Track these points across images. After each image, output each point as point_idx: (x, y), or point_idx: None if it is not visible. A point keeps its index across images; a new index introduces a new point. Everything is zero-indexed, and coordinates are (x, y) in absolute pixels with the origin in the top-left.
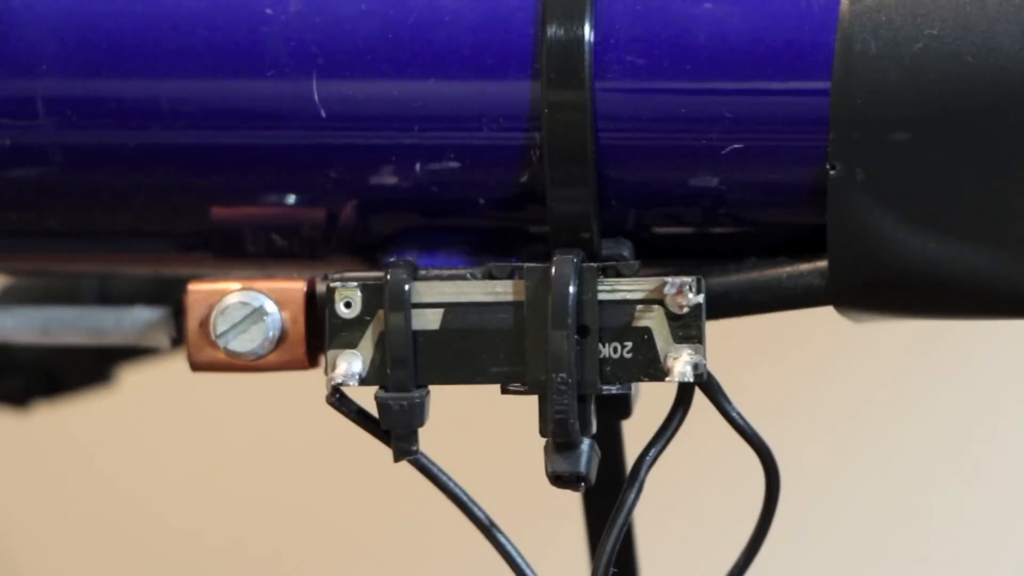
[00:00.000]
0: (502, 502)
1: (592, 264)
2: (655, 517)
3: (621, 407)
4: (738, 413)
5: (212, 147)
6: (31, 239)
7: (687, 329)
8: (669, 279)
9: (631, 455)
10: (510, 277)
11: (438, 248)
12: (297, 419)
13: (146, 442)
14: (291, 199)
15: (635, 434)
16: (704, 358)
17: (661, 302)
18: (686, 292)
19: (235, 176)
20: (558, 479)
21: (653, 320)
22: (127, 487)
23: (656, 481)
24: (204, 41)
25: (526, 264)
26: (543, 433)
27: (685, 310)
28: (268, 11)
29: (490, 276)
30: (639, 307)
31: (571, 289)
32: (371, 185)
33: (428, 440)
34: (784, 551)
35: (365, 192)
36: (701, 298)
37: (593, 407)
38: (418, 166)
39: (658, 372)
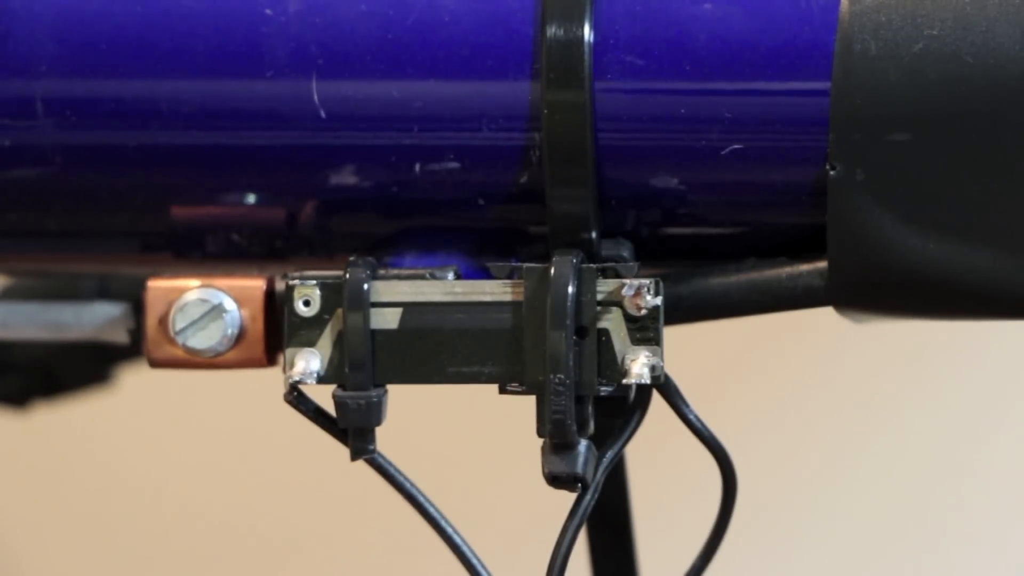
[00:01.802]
0: (500, 503)
1: (591, 265)
2: (657, 518)
3: (620, 408)
4: (695, 416)
5: (212, 147)
6: (30, 239)
7: (644, 331)
8: (627, 280)
9: (631, 455)
10: (510, 277)
11: (438, 248)
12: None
13: (147, 437)
14: (290, 199)
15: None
16: (662, 360)
17: (619, 304)
18: (644, 294)
19: (234, 176)
20: (555, 480)
21: (611, 322)
22: (128, 482)
23: (659, 481)
24: (204, 42)
25: (525, 264)
26: (540, 434)
27: (643, 312)
28: (268, 11)
29: (489, 276)
30: (598, 308)
31: (570, 290)
32: (371, 185)
33: (427, 440)
34: (786, 552)
35: (365, 192)
36: (659, 300)
37: (591, 408)
38: (418, 166)
39: (615, 374)
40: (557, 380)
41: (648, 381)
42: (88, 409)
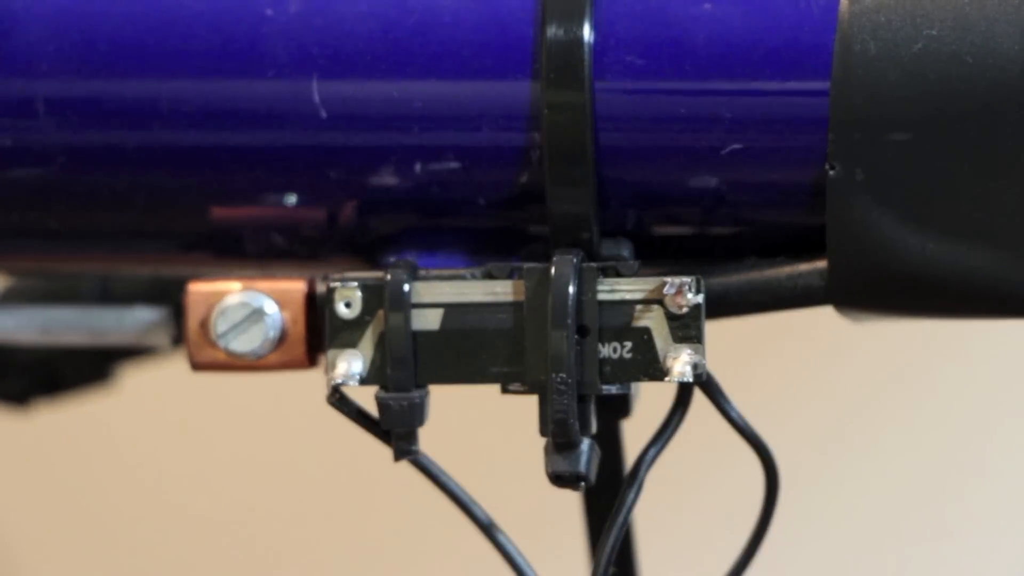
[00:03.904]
0: (502, 502)
1: (592, 264)
2: (655, 517)
3: (621, 407)
4: (737, 413)
5: (212, 147)
6: (31, 239)
7: (686, 329)
8: (668, 279)
9: (631, 455)
10: (510, 277)
11: (438, 248)
12: (301, 417)
13: (148, 437)
14: (291, 199)
15: (635, 434)
16: (704, 358)
17: (661, 302)
18: (685, 292)
19: (235, 176)
20: (558, 479)
21: (653, 320)
22: (128, 482)
23: (657, 481)
24: (204, 42)
25: (526, 264)
26: (543, 433)
27: (684, 310)
28: (268, 12)
29: (490, 276)
30: (639, 307)
31: (571, 289)
32: (371, 185)
33: (428, 440)
34: (788, 553)
35: (365, 192)
36: (700, 298)
37: (593, 407)
38: (418, 166)
39: (658, 372)
40: (559, 379)
41: (691, 379)
42: (88, 409)
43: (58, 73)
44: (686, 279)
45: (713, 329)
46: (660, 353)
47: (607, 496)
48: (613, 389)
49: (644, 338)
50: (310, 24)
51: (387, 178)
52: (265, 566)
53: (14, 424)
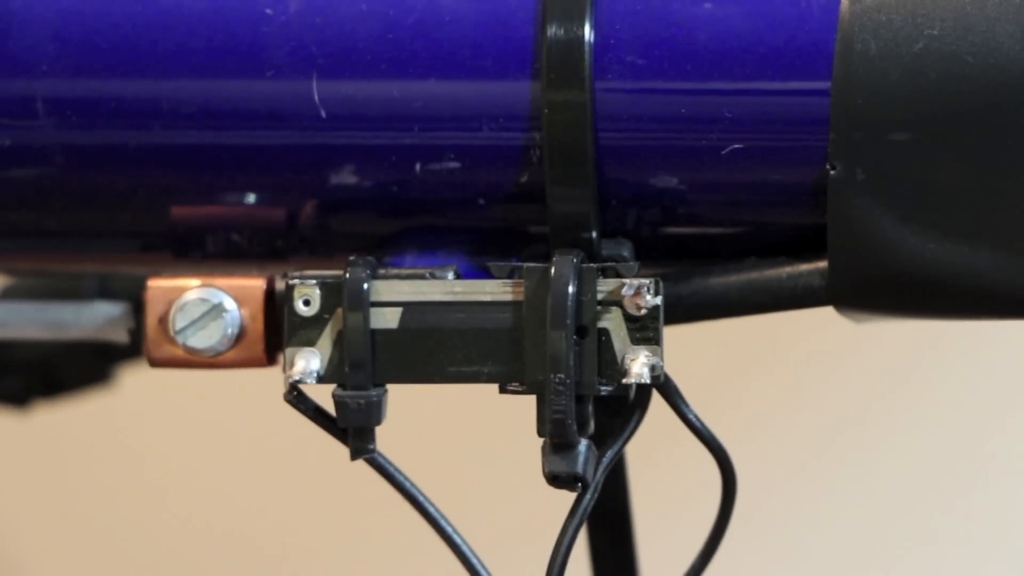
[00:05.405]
0: (500, 502)
1: (591, 264)
2: (655, 518)
3: (622, 407)
4: (695, 415)
5: (212, 147)
6: (30, 239)
7: (644, 331)
8: (627, 280)
9: (631, 455)
10: (510, 277)
11: (438, 248)
12: (301, 417)
13: (148, 438)
14: (290, 199)
15: (636, 437)
16: (662, 360)
17: (619, 303)
18: (644, 294)
19: (234, 176)
20: (555, 479)
21: (611, 322)
22: (129, 482)
23: (654, 482)
24: (204, 41)
25: (526, 264)
26: (541, 433)
27: (643, 312)
28: (268, 11)
29: (490, 275)
30: (598, 308)
31: (570, 289)
32: (371, 185)
33: (428, 440)
34: (785, 552)
35: (365, 192)
36: (659, 300)
37: (591, 407)
38: (418, 166)
39: (615, 374)
40: (557, 380)
41: (648, 381)
42: (88, 409)
43: (58, 73)
44: (645, 280)
45: (714, 330)
46: (618, 355)
47: (606, 498)
48: (611, 389)
49: (602, 339)
50: (310, 23)
51: (387, 178)
52: (265, 565)
53: (14, 424)
